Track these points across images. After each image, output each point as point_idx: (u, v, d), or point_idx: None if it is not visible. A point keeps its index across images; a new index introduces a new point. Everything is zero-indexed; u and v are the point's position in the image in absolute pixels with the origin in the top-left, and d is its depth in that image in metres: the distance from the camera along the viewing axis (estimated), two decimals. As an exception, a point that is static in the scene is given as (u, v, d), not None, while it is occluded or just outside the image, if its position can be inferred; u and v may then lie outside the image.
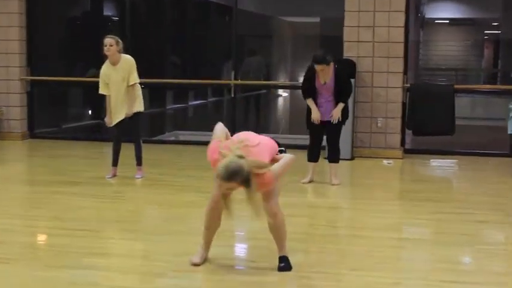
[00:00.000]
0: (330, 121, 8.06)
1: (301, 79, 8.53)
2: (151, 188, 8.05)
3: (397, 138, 10.36)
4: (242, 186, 4.41)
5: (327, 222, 6.83)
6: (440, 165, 10.20)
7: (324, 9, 14.20)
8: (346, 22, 10.33)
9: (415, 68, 18.74)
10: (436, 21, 23.79)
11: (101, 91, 8.24)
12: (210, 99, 15.54)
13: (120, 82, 8.13)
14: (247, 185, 4.40)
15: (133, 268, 5.09)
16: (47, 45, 12.63)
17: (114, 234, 6.20)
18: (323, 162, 8.55)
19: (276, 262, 4.93)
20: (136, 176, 8.39)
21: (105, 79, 8.18)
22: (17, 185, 8.33)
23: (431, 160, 10.40)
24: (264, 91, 15.56)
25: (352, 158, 10.09)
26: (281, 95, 17.71)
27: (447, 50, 24.36)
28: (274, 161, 4.76)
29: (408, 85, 10.51)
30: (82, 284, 4.68)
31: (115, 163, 8.39)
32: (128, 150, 8.48)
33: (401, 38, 10.24)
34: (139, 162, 8.43)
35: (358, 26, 10.26)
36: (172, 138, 13.31)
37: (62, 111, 13.56)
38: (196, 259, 5.01)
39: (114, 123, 8.26)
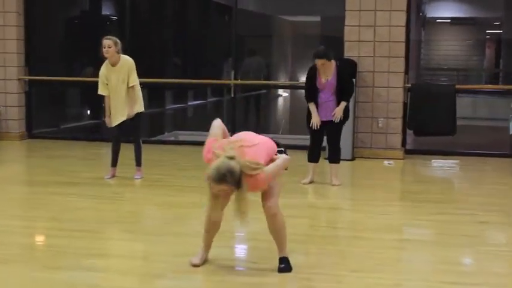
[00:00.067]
0: (330, 121, 8.06)
1: (301, 79, 8.55)
2: (150, 188, 8.06)
3: (398, 139, 10.36)
4: (234, 188, 4.42)
5: (327, 223, 6.84)
6: (442, 166, 10.20)
7: (324, 9, 14.22)
8: (347, 21, 10.34)
9: (416, 68, 18.76)
10: (438, 21, 23.80)
11: (100, 92, 8.24)
12: (209, 99, 15.56)
13: (120, 83, 8.14)
14: (239, 187, 4.41)
15: (132, 269, 5.09)
16: (45, 45, 12.64)
17: (113, 235, 6.21)
18: (323, 162, 8.56)
19: (276, 263, 4.94)
20: (136, 177, 8.39)
21: (104, 80, 8.18)
22: (15, 185, 8.32)
23: (433, 161, 10.40)
24: (264, 91, 15.57)
25: (352, 159, 10.10)
26: (281, 95, 17.72)
27: (449, 49, 24.38)
28: (272, 161, 4.75)
29: (409, 85, 10.51)
30: (81, 285, 4.68)
31: (114, 163, 8.40)
32: (127, 151, 8.48)
33: (403, 38, 10.25)
34: (138, 162, 8.43)
35: (359, 26, 10.26)
36: (172, 139, 13.32)
37: (60, 111, 13.57)
38: (196, 260, 5.02)
39: (114, 124, 8.26)
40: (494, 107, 16.59)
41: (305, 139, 8.74)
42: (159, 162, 9.77)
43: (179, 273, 4.91)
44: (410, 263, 5.46)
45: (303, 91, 8.36)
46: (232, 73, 11.50)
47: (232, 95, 11.62)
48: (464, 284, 4.83)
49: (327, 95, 8.04)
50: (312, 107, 8.07)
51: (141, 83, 8.37)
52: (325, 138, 8.31)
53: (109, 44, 8.04)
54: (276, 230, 4.88)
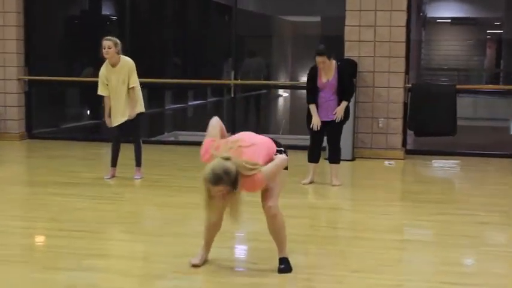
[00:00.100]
0: (330, 121, 8.05)
1: (301, 79, 8.55)
2: (150, 189, 8.05)
3: (398, 139, 10.36)
4: (230, 189, 4.41)
5: (327, 223, 6.84)
6: (442, 166, 10.20)
7: (324, 9, 14.21)
8: (347, 21, 10.34)
9: (416, 68, 18.75)
10: (438, 21, 23.80)
11: (100, 92, 8.23)
12: (209, 99, 15.56)
13: (120, 84, 8.13)
14: (235, 187, 4.41)
15: (132, 270, 5.08)
16: (45, 45, 12.64)
17: (113, 236, 6.20)
18: (324, 163, 8.55)
19: (276, 264, 4.93)
20: (135, 177, 8.39)
21: (104, 80, 8.17)
22: (15, 186, 8.32)
23: (433, 161, 10.40)
24: (264, 91, 15.57)
25: (353, 159, 10.09)
26: (281, 95, 17.72)
27: (449, 49, 24.37)
28: (271, 161, 4.75)
29: (410, 85, 10.51)
30: (81, 286, 4.67)
31: (114, 164, 8.39)
32: (127, 151, 8.48)
33: (403, 38, 10.24)
34: (138, 163, 8.43)
35: (360, 26, 10.26)
36: (172, 139, 13.31)
37: (60, 111, 13.57)
38: (196, 260, 5.01)
39: (114, 124, 8.25)
40: (494, 107, 16.60)
41: (305, 139, 8.74)
42: (159, 162, 9.77)
43: (179, 274, 4.91)
44: (411, 263, 5.46)
45: (303, 91, 8.37)
46: (232, 73, 11.50)
47: (232, 95, 11.62)
48: (465, 284, 4.82)
49: (327, 95, 8.04)
50: (313, 108, 8.06)
51: (141, 83, 8.37)
52: (325, 138, 8.31)
53: (109, 45, 8.03)
54: (276, 231, 4.88)
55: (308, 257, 5.47)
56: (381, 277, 4.90)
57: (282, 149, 4.85)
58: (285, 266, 4.91)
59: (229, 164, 4.37)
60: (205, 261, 5.05)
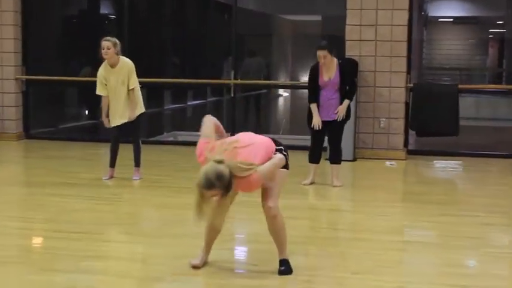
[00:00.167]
0: (332, 121, 8.04)
1: (302, 79, 8.55)
2: (149, 189, 8.05)
3: (400, 139, 10.35)
4: (223, 193, 4.41)
5: (328, 224, 6.84)
6: (445, 167, 10.20)
7: (325, 7, 14.22)
8: (348, 20, 10.33)
9: (418, 68, 18.74)
10: (440, 20, 23.81)
11: (98, 92, 8.23)
12: (209, 99, 15.56)
13: (120, 86, 8.13)
14: (228, 192, 4.41)
15: (130, 272, 5.08)
16: (42, 44, 12.63)
17: (111, 237, 6.20)
18: (324, 163, 8.55)
19: (277, 265, 4.93)
20: (134, 178, 8.38)
21: (102, 80, 8.16)
22: (12, 186, 8.31)
23: (435, 161, 10.40)
24: (264, 91, 15.57)
25: (354, 159, 10.09)
26: (282, 95, 17.73)
27: (451, 49, 24.38)
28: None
29: (411, 85, 10.51)
30: (78, 288, 4.68)
31: (112, 164, 8.39)
32: (125, 151, 8.47)
33: (405, 37, 10.24)
34: (137, 163, 8.43)
35: (360, 25, 10.25)
36: (171, 139, 13.31)
37: (58, 111, 13.56)
38: (196, 261, 5.01)
39: (113, 125, 8.25)
40: (497, 107, 16.60)
41: (306, 139, 8.74)
42: (158, 162, 9.76)
43: (178, 276, 4.91)
44: (412, 265, 5.45)
45: (304, 91, 8.39)
46: (232, 73, 11.49)
47: (232, 95, 11.61)
48: (467, 286, 4.82)
49: (329, 94, 8.02)
50: (314, 107, 8.05)
51: (140, 83, 8.36)
52: (326, 138, 8.31)
53: (108, 46, 8.02)
54: (276, 231, 4.88)
55: (308, 258, 5.47)
56: (382, 279, 4.90)
57: (282, 148, 4.84)
58: (285, 267, 4.91)
59: (222, 168, 4.37)
60: (205, 263, 5.05)
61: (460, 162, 10.32)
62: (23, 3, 11.79)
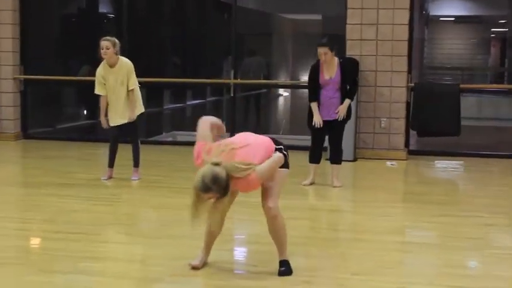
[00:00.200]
0: (332, 121, 8.04)
1: (302, 78, 8.55)
2: (148, 190, 8.05)
3: (401, 139, 10.35)
4: (220, 195, 4.42)
5: (328, 225, 6.84)
6: (446, 167, 10.20)
7: (326, 6, 14.21)
8: (349, 20, 10.33)
9: (419, 67, 18.75)
10: (441, 19, 23.79)
11: (97, 91, 8.23)
12: (208, 99, 15.56)
13: (119, 86, 8.13)
14: (225, 194, 4.42)
15: (129, 273, 5.08)
16: (40, 43, 12.63)
17: (109, 238, 6.20)
18: (325, 163, 8.55)
19: (276, 266, 4.93)
20: (133, 178, 8.38)
21: (101, 80, 8.16)
22: (10, 186, 8.31)
23: (436, 162, 10.40)
24: (264, 90, 15.56)
25: (354, 160, 10.09)
26: (282, 95, 17.72)
27: (453, 48, 24.36)
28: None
29: (412, 84, 10.51)
30: (76, 289, 4.68)
31: (111, 164, 8.39)
32: (124, 151, 8.47)
33: (406, 36, 10.24)
34: (136, 163, 8.43)
35: (361, 24, 10.26)
36: (170, 139, 13.31)
37: (56, 111, 13.56)
38: (196, 262, 5.01)
39: (112, 124, 8.25)
40: (499, 106, 16.60)
41: (306, 139, 8.73)
42: (157, 163, 9.76)
43: (177, 277, 4.91)
44: (413, 265, 5.45)
45: (304, 90, 8.38)
46: (232, 72, 11.49)
47: (232, 95, 11.60)
48: (468, 287, 4.81)
49: (330, 93, 8.01)
50: (314, 106, 8.04)
51: (139, 83, 8.36)
52: (326, 138, 8.30)
53: (107, 46, 8.02)
54: (276, 232, 4.88)
55: (309, 259, 5.46)
56: (383, 279, 4.90)
57: (282, 147, 4.84)
58: (285, 268, 4.91)
59: (219, 170, 4.37)
60: (204, 264, 5.05)
61: (461, 162, 10.32)
62: (21, 2, 11.79)
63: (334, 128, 8.11)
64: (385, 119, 10.29)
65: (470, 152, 10.75)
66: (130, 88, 8.14)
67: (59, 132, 12.87)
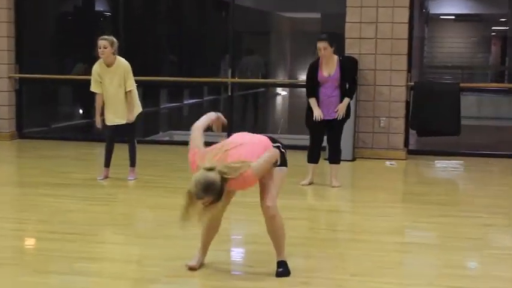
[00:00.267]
0: (331, 120, 8.04)
1: (300, 77, 8.55)
2: (144, 190, 8.05)
3: (400, 139, 10.36)
4: (215, 200, 4.42)
5: (327, 225, 6.84)
6: (445, 167, 10.21)
7: (325, 5, 14.22)
8: (348, 18, 10.34)
9: (419, 66, 18.77)
10: (442, 17, 23.81)
11: (93, 89, 8.23)
12: (206, 98, 15.56)
13: (116, 87, 8.13)
14: (219, 199, 4.42)
15: (125, 273, 5.08)
16: (36, 42, 12.63)
17: (105, 238, 6.20)
18: (323, 163, 8.56)
19: (274, 267, 4.93)
20: (129, 178, 8.39)
21: (97, 78, 8.17)
22: (5, 187, 8.31)
23: (436, 161, 10.41)
24: (262, 89, 15.57)
25: (353, 159, 10.10)
26: (280, 94, 17.73)
27: (453, 47, 24.37)
28: None
29: (412, 83, 10.52)
30: (72, 290, 4.69)
31: (107, 164, 8.39)
32: (120, 151, 8.48)
33: (405, 35, 10.25)
34: (132, 163, 8.43)
35: (361, 22, 10.26)
36: (167, 139, 13.31)
37: (51, 110, 13.56)
38: (193, 263, 5.02)
39: (108, 124, 8.25)
40: (499, 105, 16.61)
41: (304, 139, 8.74)
42: (154, 162, 9.77)
43: (173, 278, 4.91)
44: (412, 266, 5.46)
45: (302, 89, 8.37)
46: (230, 71, 11.49)
47: (230, 94, 11.60)
48: (469, 288, 4.84)
49: (329, 91, 8.00)
50: (313, 101, 8.02)
51: (135, 82, 8.36)
52: (325, 138, 8.31)
53: (104, 45, 8.01)
54: (274, 232, 4.88)
55: (307, 260, 5.47)
56: (381, 280, 4.91)
57: (279, 145, 4.85)
58: (283, 269, 4.91)
59: (212, 176, 4.38)
60: (201, 264, 5.05)
61: (461, 162, 10.34)
62: (17, 0, 11.77)
63: (333, 127, 8.12)
64: (384, 119, 10.30)
65: (470, 152, 10.77)
66: (128, 89, 8.15)
67: (54, 131, 12.87)
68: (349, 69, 8.27)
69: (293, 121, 15.01)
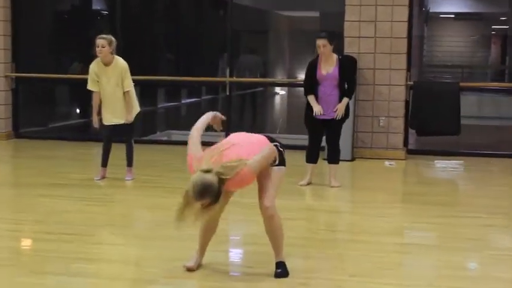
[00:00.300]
0: (330, 120, 8.04)
1: (299, 76, 8.55)
2: (142, 190, 8.05)
3: (399, 139, 10.36)
4: (212, 202, 4.43)
5: (325, 226, 6.84)
6: (445, 167, 10.21)
7: (323, 3, 14.22)
8: (347, 16, 10.34)
9: (418, 65, 18.75)
10: (441, 16, 23.82)
11: (89, 87, 8.23)
12: (204, 97, 15.56)
13: (114, 86, 8.12)
14: (217, 200, 4.42)
15: (123, 275, 5.09)
16: (33, 41, 12.60)
17: (103, 239, 6.20)
18: (322, 163, 8.56)
19: (273, 268, 4.93)
20: (127, 178, 8.39)
21: (94, 76, 8.16)
22: (1, 187, 8.30)
23: (436, 161, 10.41)
24: (261, 89, 15.56)
25: (352, 159, 10.10)
26: (278, 93, 17.73)
27: (452, 45, 24.39)
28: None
29: (411, 83, 10.52)
30: (69, 291, 4.69)
31: (104, 164, 8.39)
32: (118, 151, 8.47)
33: (405, 33, 10.25)
34: (130, 163, 8.43)
35: (360, 21, 10.26)
36: (165, 138, 13.31)
37: (48, 109, 13.54)
38: (191, 264, 5.02)
39: (106, 123, 8.25)
40: (499, 105, 16.62)
41: (303, 139, 8.74)
42: (151, 162, 9.76)
43: (172, 279, 4.92)
44: (412, 267, 5.46)
45: (301, 89, 8.35)
46: (228, 70, 11.49)
47: (228, 93, 11.60)
48: (468, 289, 4.84)
49: (328, 90, 7.99)
50: (311, 98, 8.01)
51: (133, 81, 8.35)
52: (324, 138, 8.31)
53: (103, 44, 8.01)
54: (273, 232, 4.88)
55: (305, 260, 5.47)
56: (381, 281, 4.91)
57: (277, 144, 4.86)
58: (281, 270, 4.92)
59: (209, 177, 4.38)
60: (199, 265, 5.05)
61: (461, 162, 10.35)
62: (13, -1, 11.79)
63: (332, 127, 8.11)
64: (383, 118, 10.30)
65: (470, 152, 10.77)
66: (125, 90, 8.14)
67: (51, 131, 12.85)
68: (348, 67, 8.26)
69: (292, 121, 15.02)
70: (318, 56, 8.04)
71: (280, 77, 17.02)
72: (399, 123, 10.32)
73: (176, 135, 13.12)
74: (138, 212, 7.23)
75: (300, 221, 6.73)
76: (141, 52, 13.97)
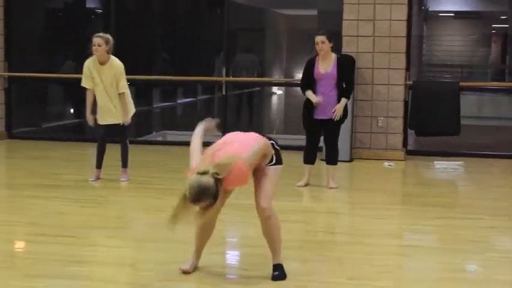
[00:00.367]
0: (328, 120, 8.04)
1: (296, 76, 8.54)
2: (137, 191, 8.05)
3: (398, 139, 10.37)
4: (211, 203, 4.42)
5: (323, 228, 6.84)
6: (445, 168, 10.22)
7: (321, 2, 14.22)
8: (345, 15, 10.35)
9: (418, 64, 18.75)
10: (441, 15, 23.84)
11: (84, 84, 8.23)
12: (200, 97, 15.55)
13: (108, 86, 8.13)
14: (215, 201, 4.42)
15: (117, 277, 5.08)
16: (26, 39, 12.60)
17: (97, 241, 6.18)
18: (320, 164, 8.56)
19: (270, 270, 4.93)
20: (121, 179, 8.38)
21: (88, 73, 8.16)
22: (-6, 188, 8.32)
23: (435, 162, 10.42)
24: (257, 88, 15.56)
25: (351, 160, 10.10)
26: (275, 93, 17.72)
27: (452, 45, 24.41)
28: (265, 156, 4.75)
29: (411, 82, 10.53)
30: (63, 294, 4.68)
31: (99, 165, 8.38)
32: (112, 151, 8.47)
33: (404, 32, 10.26)
34: (124, 164, 8.42)
35: (358, 20, 10.27)
36: (160, 139, 13.31)
37: (42, 109, 13.55)
38: (187, 266, 5.01)
39: (102, 123, 8.25)
40: (499, 105, 16.64)
41: (301, 139, 8.74)
42: (147, 163, 9.76)
43: (167, 282, 4.91)
44: (411, 270, 5.46)
45: (299, 88, 8.34)
46: (224, 69, 11.49)
47: (224, 93, 11.60)
48: (469, 292, 4.85)
49: (326, 89, 7.98)
50: (309, 93, 7.98)
51: (128, 80, 8.35)
52: (322, 138, 8.30)
53: (99, 43, 8.01)
54: (270, 233, 4.88)
55: (303, 263, 5.47)
56: (379, 284, 4.91)
57: (273, 142, 4.86)
58: (279, 272, 4.91)
59: (206, 179, 4.37)
60: (195, 268, 5.04)
61: (461, 162, 10.36)
62: (6, -3, 11.78)
63: (330, 127, 8.11)
64: (382, 118, 10.31)
65: (470, 152, 10.78)
66: (120, 91, 8.14)
67: (44, 131, 12.85)
68: (346, 67, 8.26)
69: (289, 121, 15.02)
70: (316, 54, 8.04)
71: (277, 76, 17.01)
72: (398, 123, 10.33)
73: (172, 135, 13.11)
74: (133, 214, 7.23)
75: (298, 223, 6.73)
76: (135, 51, 13.96)
